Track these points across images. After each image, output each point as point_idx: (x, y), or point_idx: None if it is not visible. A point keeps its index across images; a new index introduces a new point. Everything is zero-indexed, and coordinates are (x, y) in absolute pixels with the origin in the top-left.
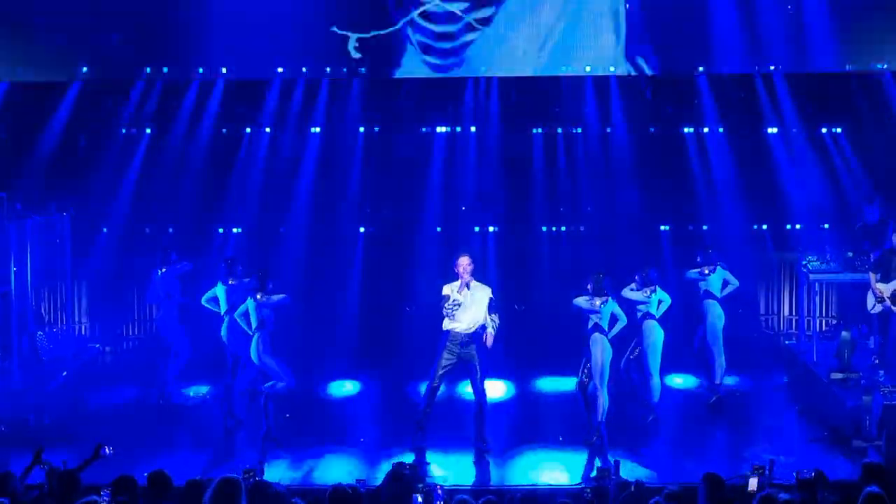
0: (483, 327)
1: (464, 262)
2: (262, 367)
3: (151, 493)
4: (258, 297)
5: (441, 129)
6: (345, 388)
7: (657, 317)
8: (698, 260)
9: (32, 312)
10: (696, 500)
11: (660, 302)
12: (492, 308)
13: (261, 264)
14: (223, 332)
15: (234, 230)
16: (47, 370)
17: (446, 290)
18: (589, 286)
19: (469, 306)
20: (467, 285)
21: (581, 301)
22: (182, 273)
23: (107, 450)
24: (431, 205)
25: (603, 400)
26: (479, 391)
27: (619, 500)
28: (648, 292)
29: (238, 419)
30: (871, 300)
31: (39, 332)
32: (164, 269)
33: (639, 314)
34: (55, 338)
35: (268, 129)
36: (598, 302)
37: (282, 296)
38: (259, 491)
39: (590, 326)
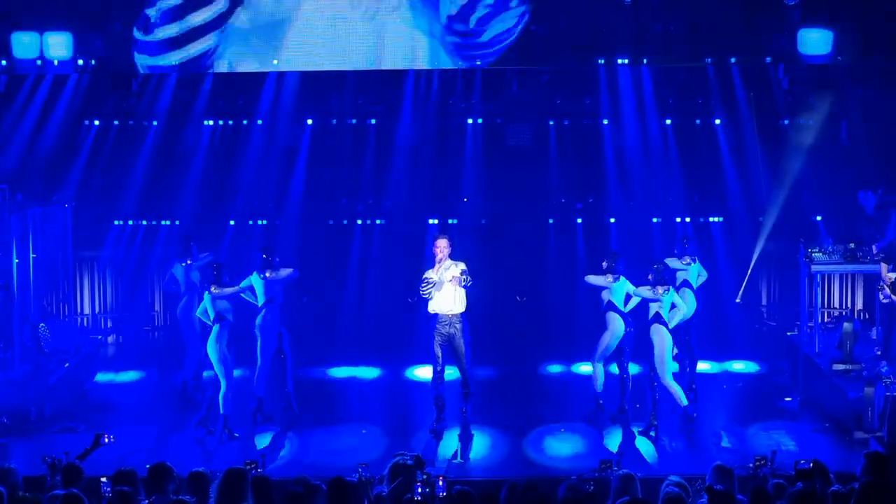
0: (465, 314)
1: (441, 244)
2: (218, 359)
3: (153, 484)
4: (213, 289)
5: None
6: (347, 376)
7: (624, 310)
8: (675, 252)
9: (34, 304)
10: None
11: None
12: (466, 273)
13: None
14: (258, 321)
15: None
16: (49, 362)
17: (427, 273)
18: (649, 276)
19: (443, 284)
20: (440, 262)
21: (644, 291)
22: (204, 265)
23: (106, 439)
24: (432, 195)
25: (675, 389)
26: (465, 370)
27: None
28: (611, 279)
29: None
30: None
31: (41, 324)
32: (187, 262)
33: (604, 302)
34: (57, 329)
35: (259, 122)
36: (660, 291)
37: (235, 288)
38: (260, 483)
39: (651, 317)
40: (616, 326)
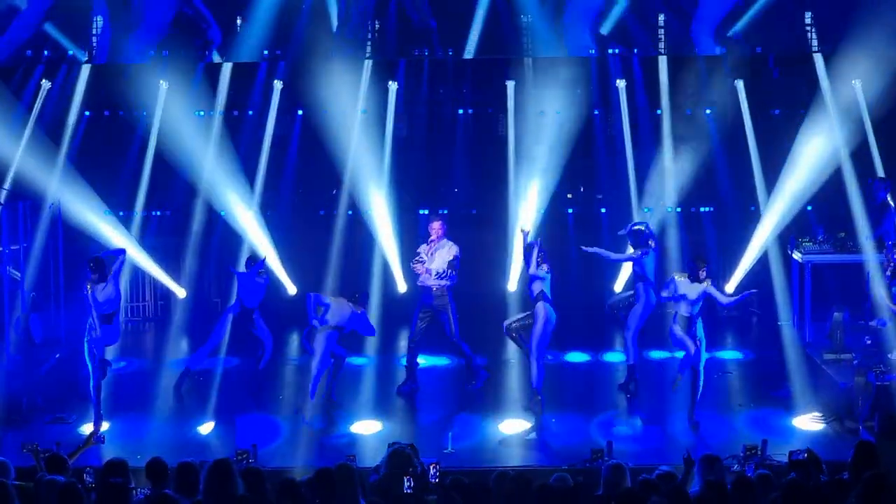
0: (449, 282)
1: (435, 226)
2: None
3: (150, 479)
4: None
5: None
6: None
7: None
8: (630, 242)
9: (25, 295)
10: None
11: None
12: (453, 264)
13: None
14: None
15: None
16: (40, 353)
17: (421, 249)
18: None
19: (431, 260)
20: (430, 243)
21: (714, 291)
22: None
23: (98, 437)
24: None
25: (699, 380)
26: (457, 340)
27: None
28: (546, 268)
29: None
30: None
31: (32, 315)
32: (241, 270)
33: (534, 293)
34: (48, 321)
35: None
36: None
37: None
38: (252, 474)
39: (696, 312)
40: (548, 315)
